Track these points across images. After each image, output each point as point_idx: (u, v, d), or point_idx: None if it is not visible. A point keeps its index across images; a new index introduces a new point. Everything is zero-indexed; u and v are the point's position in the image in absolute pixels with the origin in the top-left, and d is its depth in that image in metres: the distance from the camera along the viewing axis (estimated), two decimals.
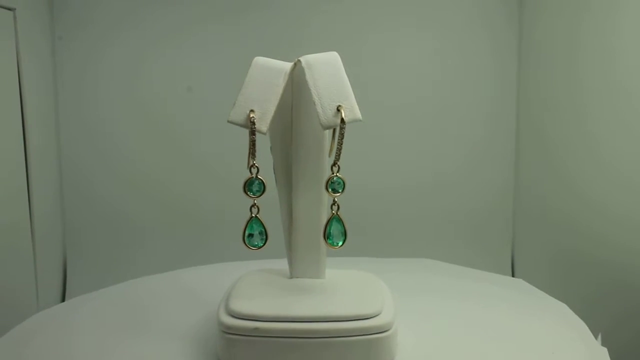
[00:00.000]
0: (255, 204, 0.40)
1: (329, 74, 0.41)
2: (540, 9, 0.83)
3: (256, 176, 0.40)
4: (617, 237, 0.67)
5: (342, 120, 0.38)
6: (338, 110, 0.39)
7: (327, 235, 0.41)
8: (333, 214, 0.40)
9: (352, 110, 0.39)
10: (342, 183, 0.40)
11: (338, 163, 0.39)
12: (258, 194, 0.40)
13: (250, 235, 0.41)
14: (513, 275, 0.89)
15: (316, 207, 0.45)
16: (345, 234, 0.41)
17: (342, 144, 0.38)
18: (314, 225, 0.45)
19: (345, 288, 0.44)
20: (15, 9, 0.69)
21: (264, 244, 0.41)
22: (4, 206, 0.70)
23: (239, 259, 0.66)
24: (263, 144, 0.45)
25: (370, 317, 0.38)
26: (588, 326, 0.48)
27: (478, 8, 0.87)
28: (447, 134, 0.89)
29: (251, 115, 0.40)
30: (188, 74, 0.85)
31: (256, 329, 0.37)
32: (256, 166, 0.40)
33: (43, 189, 0.79)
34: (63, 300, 0.84)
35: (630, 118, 0.65)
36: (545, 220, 0.82)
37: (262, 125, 0.40)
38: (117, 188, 0.86)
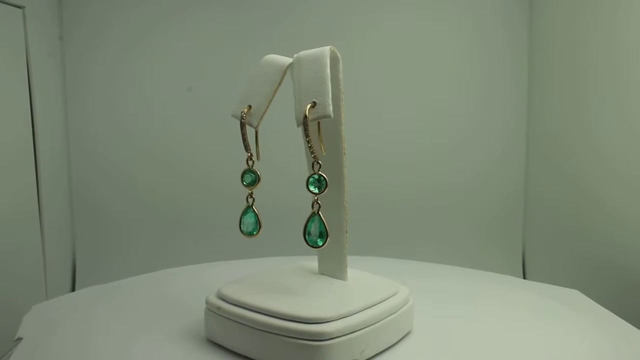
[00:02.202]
0: (250, 194, 0.42)
1: (313, 70, 0.40)
2: (551, 15, 0.81)
3: (250, 168, 0.41)
4: (628, 240, 0.65)
5: (306, 116, 0.38)
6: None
7: (305, 234, 0.40)
8: (313, 212, 0.40)
9: (323, 107, 0.38)
10: (322, 181, 0.38)
11: (319, 161, 0.39)
12: (251, 185, 0.41)
13: (243, 223, 0.42)
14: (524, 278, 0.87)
15: (335, 206, 0.45)
16: (325, 234, 0.40)
17: (309, 141, 0.38)
18: (333, 225, 0.45)
19: (335, 291, 0.43)
20: (24, 7, 0.72)
21: (257, 232, 0.42)
22: (15, 214, 0.71)
23: (254, 256, 0.69)
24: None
25: (310, 323, 0.38)
26: None
27: (488, 9, 0.85)
28: (457, 138, 0.88)
29: (242, 110, 0.41)
30: (188, 74, 0.86)
31: (219, 308, 0.41)
32: (252, 159, 0.41)
33: (52, 194, 0.80)
34: None
35: (638, 121, 0.63)
36: (556, 223, 0.81)
37: (254, 119, 0.41)
38: (121, 195, 0.87)
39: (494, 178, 0.88)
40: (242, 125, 0.41)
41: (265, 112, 0.41)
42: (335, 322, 0.38)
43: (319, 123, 0.42)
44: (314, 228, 0.40)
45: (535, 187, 0.86)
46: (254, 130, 0.41)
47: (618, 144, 0.68)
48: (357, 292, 0.43)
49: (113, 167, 0.86)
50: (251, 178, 0.41)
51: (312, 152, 0.38)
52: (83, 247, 0.87)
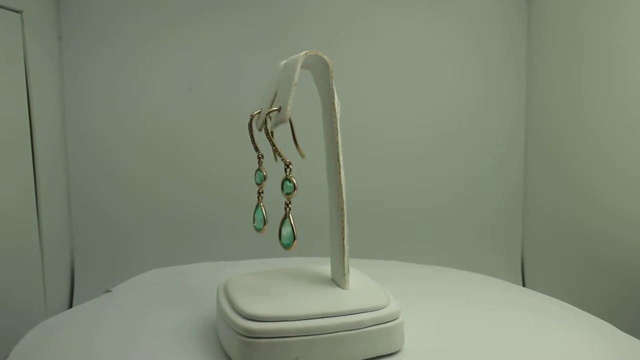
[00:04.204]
0: (260, 191, 0.44)
1: (288, 76, 0.42)
2: (549, 15, 0.81)
3: (259, 168, 0.43)
4: (628, 240, 0.66)
5: (265, 121, 0.39)
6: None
7: (279, 236, 0.42)
8: (284, 215, 0.41)
9: (282, 112, 0.39)
10: (291, 185, 0.40)
11: (290, 165, 0.40)
12: (259, 182, 0.44)
13: (254, 219, 0.45)
14: (523, 282, 0.88)
15: (334, 211, 0.45)
16: (293, 236, 0.41)
17: (273, 144, 0.39)
18: (333, 230, 0.45)
19: (309, 295, 0.43)
20: (22, 11, 0.73)
21: (262, 227, 0.44)
22: (13, 215, 0.72)
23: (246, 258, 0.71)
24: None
25: (245, 318, 0.39)
26: None
27: (487, 12, 0.86)
28: (456, 141, 0.89)
29: (252, 114, 0.43)
30: (188, 75, 0.88)
31: (217, 294, 0.45)
32: (260, 160, 0.43)
33: (50, 196, 0.81)
34: (71, 305, 0.88)
35: (638, 120, 0.64)
36: (555, 225, 0.81)
37: (258, 123, 0.43)
38: (120, 196, 0.89)
39: (492, 181, 0.89)
40: (250, 128, 0.43)
41: (264, 116, 0.43)
42: (267, 322, 0.39)
43: (292, 128, 0.43)
44: (284, 230, 0.41)
45: (534, 189, 0.87)
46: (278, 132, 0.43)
47: (617, 144, 0.68)
48: (331, 300, 0.42)
49: (111, 166, 0.88)
50: (260, 177, 0.43)
51: (280, 156, 0.40)
52: (81, 247, 0.89)
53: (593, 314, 0.51)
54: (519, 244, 0.89)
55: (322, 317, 0.40)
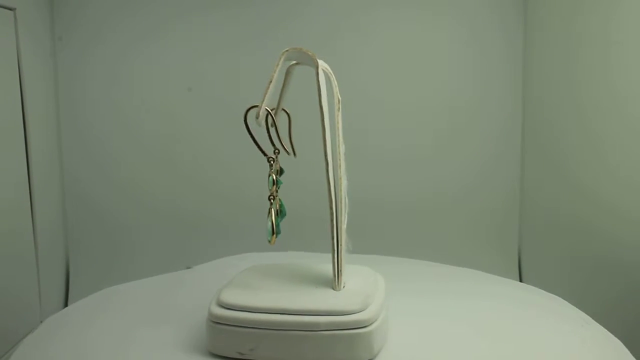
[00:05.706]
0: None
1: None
2: (545, 12, 0.82)
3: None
4: (626, 238, 0.66)
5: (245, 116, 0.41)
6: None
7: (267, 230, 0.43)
8: (268, 209, 0.42)
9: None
10: (270, 180, 0.41)
11: (270, 161, 0.41)
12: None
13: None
14: (520, 280, 0.88)
15: (329, 206, 0.44)
16: (272, 231, 0.42)
17: (252, 137, 0.41)
18: (331, 228, 0.44)
19: (290, 291, 0.43)
20: (15, 8, 0.74)
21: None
22: (7, 213, 0.73)
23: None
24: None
25: (216, 304, 0.41)
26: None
27: (484, 9, 0.87)
28: (452, 138, 0.89)
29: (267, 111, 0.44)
30: (188, 75, 0.88)
31: None
32: (276, 154, 0.44)
33: (45, 194, 0.82)
34: (66, 303, 0.88)
35: (635, 117, 0.64)
36: (552, 223, 0.82)
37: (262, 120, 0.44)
38: (116, 194, 0.90)
39: (489, 178, 0.89)
40: (266, 125, 0.43)
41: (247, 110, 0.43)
42: (230, 310, 0.41)
43: (274, 124, 0.44)
44: (268, 224, 0.42)
45: (531, 186, 0.87)
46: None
47: (615, 141, 0.69)
48: (302, 299, 0.42)
49: (107, 165, 0.89)
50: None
51: (260, 150, 0.41)
52: (76, 246, 0.90)
53: (589, 312, 0.51)
54: (515, 242, 0.90)
55: (280, 313, 0.40)
